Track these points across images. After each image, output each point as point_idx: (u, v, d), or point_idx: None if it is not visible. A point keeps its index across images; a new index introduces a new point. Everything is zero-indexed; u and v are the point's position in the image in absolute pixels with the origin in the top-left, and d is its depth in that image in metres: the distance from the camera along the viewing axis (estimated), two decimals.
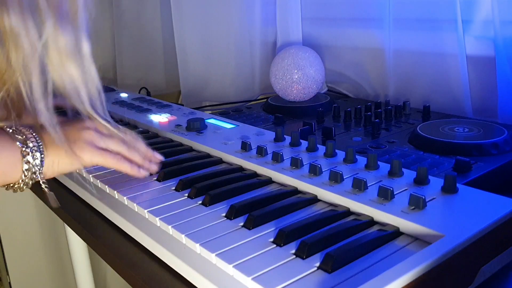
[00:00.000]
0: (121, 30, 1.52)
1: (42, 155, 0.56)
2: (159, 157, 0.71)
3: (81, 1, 0.56)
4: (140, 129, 0.93)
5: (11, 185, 0.57)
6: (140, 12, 1.52)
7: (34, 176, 0.56)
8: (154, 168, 0.69)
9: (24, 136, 0.56)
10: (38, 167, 0.56)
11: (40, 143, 0.57)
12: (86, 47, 0.58)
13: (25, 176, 0.56)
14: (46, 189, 0.59)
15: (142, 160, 0.68)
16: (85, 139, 0.61)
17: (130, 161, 0.66)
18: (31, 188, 0.61)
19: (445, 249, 0.44)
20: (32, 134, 0.57)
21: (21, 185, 0.57)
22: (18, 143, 0.55)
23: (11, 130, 0.56)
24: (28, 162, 0.55)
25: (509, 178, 0.70)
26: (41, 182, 0.58)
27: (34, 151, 0.56)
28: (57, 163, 0.58)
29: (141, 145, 0.69)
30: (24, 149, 0.55)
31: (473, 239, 0.46)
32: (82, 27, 0.56)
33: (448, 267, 0.44)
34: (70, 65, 0.55)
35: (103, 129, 0.65)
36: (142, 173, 0.66)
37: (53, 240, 1.57)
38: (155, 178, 0.68)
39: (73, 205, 0.72)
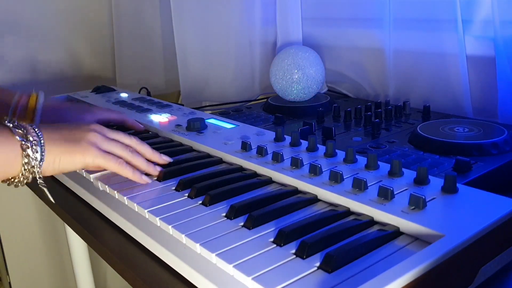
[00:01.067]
0: (121, 30, 1.51)
1: (43, 151, 0.57)
2: (166, 158, 0.71)
3: None
4: None
5: (11, 179, 0.57)
6: (140, 12, 1.51)
7: (34, 170, 0.56)
8: (159, 169, 0.69)
9: (25, 131, 0.56)
10: (38, 161, 0.56)
11: (42, 138, 0.57)
12: None
13: (24, 169, 0.56)
14: (41, 185, 0.60)
15: (147, 165, 0.68)
16: (89, 140, 0.61)
17: (134, 166, 0.66)
18: (31, 188, 0.61)
19: (445, 249, 0.44)
20: (33, 129, 0.57)
21: (21, 179, 0.57)
22: (18, 137, 0.55)
23: (11, 125, 0.56)
24: (27, 155, 0.55)
25: (509, 178, 0.70)
26: (37, 177, 0.58)
27: (34, 145, 0.56)
28: (58, 160, 0.58)
29: (147, 149, 0.69)
30: (24, 142, 0.55)
31: (473, 239, 0.46)
32: None
33: (448, 267, 0.44)
34: None
35: (109, 133, 0.65)
36: (145, 180, 0.66)
37: (53, 240, 1.57)
38: (155, 178, 0.68)
39: (73, 205, 0.72)
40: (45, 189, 0.61)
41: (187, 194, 0.62)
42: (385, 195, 0.54)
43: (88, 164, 0.62)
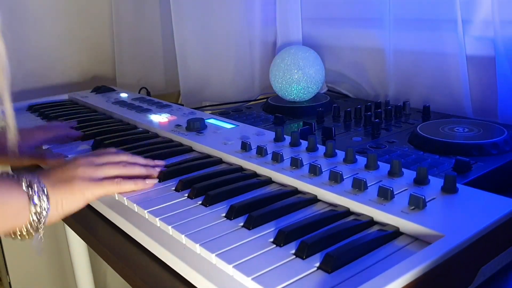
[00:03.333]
0: (121, 30, 1.51)
1: (48, 197, 0.57)
2: (160, 163, 0.71)
3: None
4: (140, 129, 0.93)
5: (19, 233, 0.56)
6: (140, 12, 1.51)
7: (42, 218, 0.56)
8: (159, 168, 0.69)
9: (28, 181, 0.56)
10: (46, 208, 0.56)
11: (44, 186, 0.57)
12: None
13: (33, 220, 0.56)
14: (39, 240, 0.59)
15: (145, 169, 0.68)
16: (81, 176, 0.61)
17: (132, 177, 0.66)
18: None
19: (445, 249, 0.44)
20: (35, 178, 0.57)
21: (30, 230, 0.56)
22: (24, 187, 0.55)
23: (15, 176, 0.56)
24: (36, 204, 0.55)
25: (509, 178, 0.70)
26: (41, 229, 0.57)
27: (40, 194, 0.56)
28: (61, 203, 0.58)
29: (138, 159, 0.70)
30: (30, 192, 0.55)
31: (473, 239, 0.46)
32: None
33: (448, 267, 0.44)
34: None
35: (97, 160, 0.65)
36: (149, 183, 0.66)
37: (53, 240, 1.57)
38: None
39: None
40: (40, 243, 0.60)
41: (187, 194, 0.62)
42: (385, 195, 0.54)
43: (89, 199, 0.62)
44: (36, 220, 0.56)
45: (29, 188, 0.56)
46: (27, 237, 0.56)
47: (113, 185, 0.63)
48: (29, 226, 0.56)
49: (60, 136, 0.87)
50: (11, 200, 0.54)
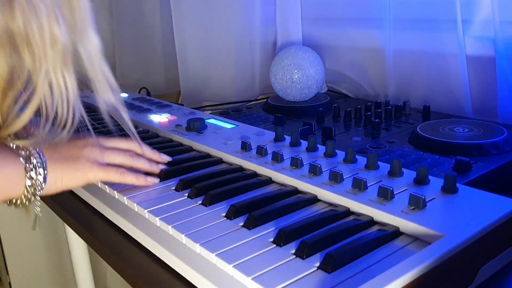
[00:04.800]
0: (121, 30, 1.52)
1: (46, 172, 0.57)
2: (166, 158, 0.71)
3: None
4: (140, 129, 0.93)
5: (13, 201, 0.57)
6: (140, 12, 1.51)
7: (36, 192, 0.56)
8: (162, 166, 0.69)
9: (28, 152, 0.56)
10: (41, 183, 0.56)
11: (44, 159, 0.57)
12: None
13: (27, 191, 0.56)
14: (36, 211, 0.60)
15: (149, 165, 0.68)
16: (87, 157, 0.61)
17: (137, 169, 0.66)
18: None
19: (445, 249, 0.44)
20: (36, 150, 0.57)
21: (23, 200, 0.56)
22: (21, 158, 0.55)
23: (14, 146, 0.56)
24: (31, 178, 0.55)
25: (509, 178, 0.70)
26: (36, 201, 0.58)
27: (37, 167, 0.56)
28: (60, 179, 0.58)
29: (146, 149, 0.69)
30: (27, 165, 0.55)
31: (473, 239, 0.46)
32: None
33: (448, 267, 0.44)
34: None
35: (106, 143, 0.65)
36: (150, 181, 0.66)
37: (53, 240, 1.57)
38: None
39: (73, 205, 0.72)
40: (37, 215, 0.61)
41: (187, 194, 0.62)
42: (385, 195, 0.54)
43: (90, 180, 0.62)
44: (31, 192, 0.56)
45: (27, 161, 0.55)
46: (21, 206, 0.57)
47: (116, 173, 0.63)
48: (23, 197, 0.56)
49: None
50: (6, 170, 0.54)
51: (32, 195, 0.56)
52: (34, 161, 0.56)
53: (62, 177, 0.59)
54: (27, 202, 0.57)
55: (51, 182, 0.57)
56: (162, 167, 0.69)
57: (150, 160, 0.69)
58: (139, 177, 0.65)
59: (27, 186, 0.55)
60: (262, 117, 1.03)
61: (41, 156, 0.57)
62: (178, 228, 0.53)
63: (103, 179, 0.63)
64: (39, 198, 0.58)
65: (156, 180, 0.66)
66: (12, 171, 0.55)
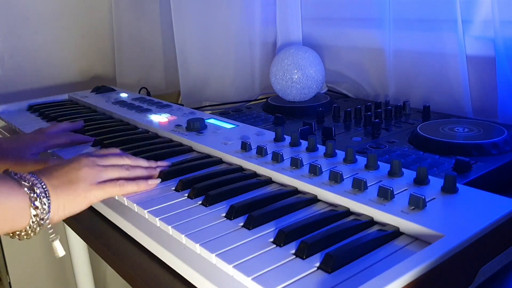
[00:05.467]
0: (121, 30, 1.51)
1: (49, 200, 0.56)
2: (162, 164, 0.71)
3: None
4: (140, 129, 0.93)
5: (18, 232, 0.56)
6: (140, 12, 1.51)
7: (42, 222, 0.56)
8: (160, 169, 0.69)
9: (30, 183, 0.56)
10: (46, 212, 0.56)
11: (46, 189, 0.57)
12: None
13: (32, 222, 0.55)
14: (52, 239, 0.59)
15: (147, 171, 0.67)
16: (85, 178, 0.61)
17: (135, 178, 0.65)
18: None
19: (445, 249, 0.44)
20: (37, 180, 0.57)
21: (29, 231, 0.56)
22: (25, 189, 0.55)
23: (17, 177, 0.56)
24: (36, 207, 0.55)
25: (509, 178, 0.70)
26: (49, 232, 0.58)
27: (41, 197, 0.56)
28: (63, 206, 0.58)
29: (142, 162, 0.69)
30: (32, 195, 0.55)
31: (473, 239, 0.46)
32: None
33: (448, 267, 0.44)
34: None
35: (101, 162, 0.64)
36: (151, 184, 0.65)
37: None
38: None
39: None
40: (57, 241, 0.61)
41: (187, 194, 0.62)
42: (385, 195, 0.54)
43: (92, 201, 0.61)
44: (36, 222, 0.55)
45: (31, 191, 0.55)
46: (25, 237, 0.56)
47: (116, 187, 0.63)
48: (28, 228, 0.55)
49: (73, 142, 0.86)
50: (11, 202, 0.54)
51: (37, 225, 0.56)
52: (38, 191, 0.55)
53: (65, 204, 0.58)
54: (32, 234, 0.56)
55: (54, 210, 0.57)
56: (159, 168, 0.69)
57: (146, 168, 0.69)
58: (140, 183, 0.64)
59: (32, 216, 0.55)
60: (262, 117, 1.03)
61: (43, 185, 0.57)
62: (178, 228, 0.53)
63: (104, 197, 0.62)
64: (49, 227, 0.58)
65: (157, 181, 0.66)
66: (17, 202, 0.54)
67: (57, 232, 0.59)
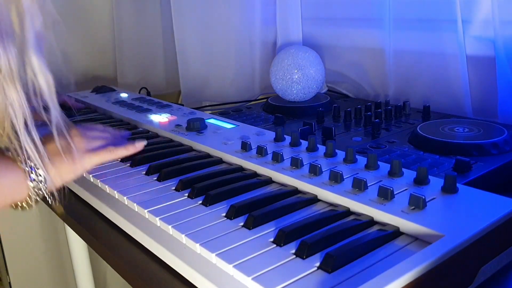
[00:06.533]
0: (122, 30, 1.51)
1: (45, 171, 0.59)
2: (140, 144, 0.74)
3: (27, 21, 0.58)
4: (140, 129, 0.93)
5: (19, 204, 0.59)
6: (141, 12, 1.51)
7: (40, 192, 0.59)
8: (142, 143, 0.73)
9: (24, 157, 0.58)
10: (43, 182, 0.59)
11: (40, 161, 0.59)
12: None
13: (31, 193, 0.58)
14: (53, 204, 0.62)
15: (128, 142, 0.72)
16: (77, 147, 0.64)
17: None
18: None
19: (445, 249, 0.44)
20: (32, 152, 0.59)
21: (30, 202, 0.59)
22: (20, 163, 0.58)
23: (11, 153, 0.58)
24: (33, 180, 0.58)
25: (509, 178, 0.70)
26: (47, 197, 0.61)
27: (36, 169, 0.58)
28: (59, 175, 0.61)
29: (123, 133, 0.75)
30: (27, 169, 0.58)
31: (473, 239, 0.46)
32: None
33: (448, 267, 0.44)
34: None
35: (89, 133, 0.69)
36: (138, 146, 0.70)
37: (53, 240, 1.57)
38: (156, 178, 0.68)
39: (73, 205, 0.72)
40: (56, 201, 0.63)
41: (187, 194, 0.62)
42: (385, 195, 0.54)
43: (87, 168, 0.65)
44: (35, 193, 0.59)
45: (26, 165, 0.58)
46: (27, 208, 0.59)
47: (107, 152, 0.67)
48: (28, 199, 0.59)
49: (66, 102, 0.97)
50: (8, 179, 0.57)
51: (36, 195, 0.59)
52: (32, 164, 0.58)
53: (62, 173, 0.61)
54: (33, 204, 0.59)
55: (52, 180, 0.60)
56: (142, 143, 0.73)
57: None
58: (128, 147, 0.69)
59: (31, 188, 0.58)
60: (262, 117, 1.03)
61: (37, 158, 0.59)
62: (178, 228, 0.53)
63: (98, 162, 0.66)
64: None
65: (144, 143, 0.71)
66: (14, 178, 0.57)
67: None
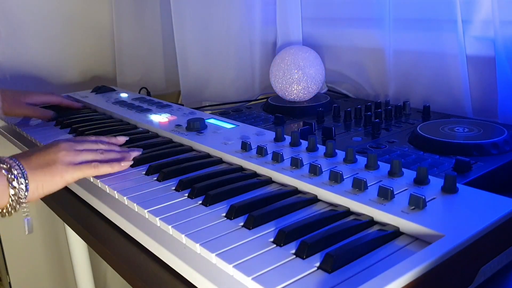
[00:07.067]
0: (122, 30, 1.51)
1: (27, 181, 0.61)
2: (136, 151, 0.75)
3: None
4: (141, 129, 0.93)
5: (0, 210, 0.61)
6: (141, 12, 1.51)
7: (20, 200, 0.61)
8: (135, 154, 0.74)
9: (8, 165, 0.61)
10: (23, 191, 0.61)
11: (24, 170, 0.61)
12: None
13: (12, 201, 0.60)
14: (24, 213, 0.65)
15: (120, 154, 0.72)
16: (62, 160, 0.66)
17: (108, 161, 0.70)
18: None
19: (445, 249, 0.44)
20: (15, 162, 0.62)
21: (9, 209, 0.61)
22: (3, 171, 0.60)
23: None
24: (14, 187, 0.60)
25: (509, 178, 0.70)
26: (23, 206, 0.63)
27: (19, 177, 0.61)
28: (41, 186, 0.63)
29: (115, 146, 0.75)
30: (9, 176, 0.60)
31: (473, 239, 0.46)
32: None
33: (448, 267, 0.44)
34: None
35: (77, 146, 0.70)
36: (124, 166, 0.70)
37: (53, 240, 1.57)
38: (156, 178, 0.68)
39: (73, 205, 0.72)
40: (29, 220, 0.67)
41: (187, 194, 0.62)
42: (385, 195, 0.54)
43: (68, 181, 0.66)
44: (15, 201, 0.60)
45: (9, 172, 0.60)
46: (7, 215, 0.62)
47: (91, 168, 0.68)
48: (8, 206, 0.60)
49: (62, 102, 1.04)
50: None
51: (16, 203, 0.61)
52: (15, 172, 0.60)
53: (43, 184, 0.63)
54: (12, 211, 0.61)
55: (32, 190, 0.62)
56: (134, 153, 0.74)
57: (121, 152, 0.74)
58: (113, 165, 0.70)
59: (11, 195, 0.60)
60: (262, 117, 1.03)
61: (21, 167, 0.62)
62: (178, 228, 0.53)
63: (80, 177, 0.67)
64: (25, 205, 0.63)
65: (130, 163, 0.71)
66: None
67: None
